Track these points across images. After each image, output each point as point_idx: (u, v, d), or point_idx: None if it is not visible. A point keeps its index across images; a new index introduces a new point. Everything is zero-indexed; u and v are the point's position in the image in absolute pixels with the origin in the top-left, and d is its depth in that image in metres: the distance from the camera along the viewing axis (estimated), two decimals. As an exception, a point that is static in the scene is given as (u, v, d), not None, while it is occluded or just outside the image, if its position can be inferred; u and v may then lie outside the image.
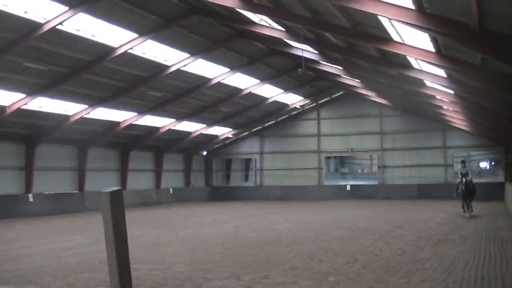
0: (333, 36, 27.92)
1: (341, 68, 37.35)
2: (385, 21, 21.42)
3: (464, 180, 30.45)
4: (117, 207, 3.33)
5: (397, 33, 22.86)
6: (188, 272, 14.44)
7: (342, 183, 57.52)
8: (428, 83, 32.03)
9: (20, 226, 29.84)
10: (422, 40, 22.02)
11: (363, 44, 27.41)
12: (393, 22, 20.85)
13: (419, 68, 28.29)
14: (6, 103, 33.12)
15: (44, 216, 35.61)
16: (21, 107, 33.51)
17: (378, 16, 20.22)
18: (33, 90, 32.75)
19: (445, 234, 22.67)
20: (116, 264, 3.23)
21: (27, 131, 38.17)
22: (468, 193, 30.30)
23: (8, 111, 33.33)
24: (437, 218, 30.84)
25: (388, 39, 23.60)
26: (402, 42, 23.53)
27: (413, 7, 17.64)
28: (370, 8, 18.73)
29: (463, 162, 31.98)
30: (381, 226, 26.42)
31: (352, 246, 19.06)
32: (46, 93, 33.59)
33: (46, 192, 39.94)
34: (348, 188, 55.81)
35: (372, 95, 49.14)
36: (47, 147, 40.15)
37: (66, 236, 23.42)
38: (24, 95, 32.93)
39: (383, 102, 51.74)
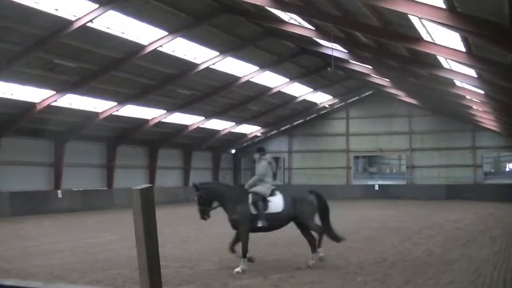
0: (362, 35, 27.80)
1: (370, 67, 37.19)
2: (415, 21, 21.29)
3: None
4: (147, 204, 3.32)
5: (428, 32, 22.70)
6: (216, 270, 14.46)
7: (370, 182, 57.28)
8: (458, 83, 31.78)
9: (49, 222, 30.03)
10: (452, 39, 21.85)
11: (392, 43, 27.24)
12: (424, 21, 20.72)
13: (450, 68, 28.06)
14: (36, 100, 33.40)
15: (72, 213, 35.79)
16: (51, 104, 33.79)
17: (409, 15, 20.09)
18: (63, 87, 33.00)
19: (474, 235, 22.49)
20: (146, 261, 3.22)
21: (57, 128, 38.43)
22: None
23: (38, 107, 33.61)
24: (466, 219, 30.61)
25: (418, 39, 23.44)
26: (432, 41, 23.37)
27: (444, 6, 17.51)
28: (401, 7, 18.63)
29: None
30: (409, 226, 26.26)
31: (380, 247, 18.97)
32: (76, 90, 33.85)
33: (75, 189, 40.20)
34: (376, 187, 55.57)
35: (401, 95, 48.87)
36: (76, 144, 40.38)
37: (95, 232, 23.53)
38: (54, 92, 33.19)
39: (412, 102, 51.42)
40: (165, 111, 42.75)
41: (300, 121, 59.60)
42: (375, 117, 56.37)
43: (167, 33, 30.48)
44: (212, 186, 15.44)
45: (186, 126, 48.03)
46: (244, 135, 58.69)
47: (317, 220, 15.38)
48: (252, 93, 45.36)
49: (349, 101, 57.39)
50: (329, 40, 29.63)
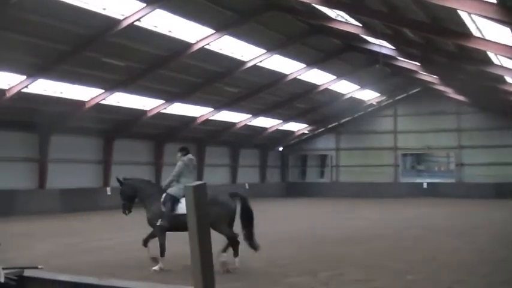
0: (410, 32, 27.57)
1: (418, 64, 36.88)
2: (464, 16, 21.04)
3: None
4: (201, 201, 3.31)
5: (477, 28, 22.42)
6: (264, 267, 14.46)
7: (418, 180, 56.76)
8: (508, 79, 31.33)
9: (98, 218, 30.34)
10: (503, 35, 21.52)
11: (441, 40, 26.97)
12: (473, 16, 20.47)
13: (500, 64, 27.68)
14: (85, 98, 33.80)
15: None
16: (100, 102, 34.18)
17: (458, 11, 19.86)
18: (111, 86, 33.36)
19: (526, 234, 22.19)
20: (199, 258, 3.22)
21: (105, 126, 38.86)
22: None
23: (87, 106, 34.00)
24: (516, 217, 30.20)
25: (467, 34, 23.17)
26: (482, 37, 23.07)
27: (494, 1, 17.26)
28: (450, 3, 18.43)
29: None
30: (458, 225, 25.99)
31: (429, 245, 18.79)
32: (124, 89, 34.17)
33: (123, 186, 40.46)
34: (425, 185, 54.98)
35: (449, 92, 48.31)
36: (124, 141, 40.74)
37: (143, 229, 23.66)
38: (103, 90, 33.57)
39: (461, 99, 50.78)
40: (212, 109, 42.91)
41: (347, 119, 59.32)
42: (423, 115, 55.72)
43: (214, 31, 30.58)
44: (133, 183, 15.29)
45: (233, 124, 48.15)
46: (292, 132, 58.65)
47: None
48: (299, 91, 45.28)
49: (397, 98, 56.86)
50: (376, 37, 29.48)
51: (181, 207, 14.13)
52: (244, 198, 14.51)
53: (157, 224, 14.41)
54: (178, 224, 13.89)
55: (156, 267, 13.95)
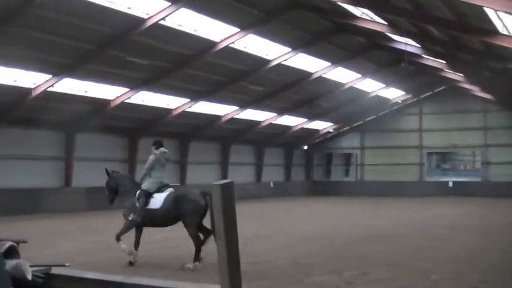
0: (435, 29, 27.44)
1: (444, 62, 36.68)
2: (491, 13, 20.89)
3: None
4: (228, 200, 3.32)
5: (504, 25, 22.28)
6: (288, 266, 14.46)
7: (443, 179, 56.39)
8: (536, 77, 31.10)
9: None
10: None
11: (467, 37, 26.81)
12: (500, 14, 20.33)
13: (527, 62, 27.49)
14: (110, 97, 33.98)
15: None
16: (125, 101, 34.33)
17: (484, 8, 19.73)
18: (136, 84, 33.49)
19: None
20: (226, 256, 3.23)
21: (130, 124, 39.01)
22: None
23: (112, 104, 34.18)
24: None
25: (494, 32, 23.01)
26: (509, 34, 22.91)
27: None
28: (476, 0, 18.31)
29: None
30: (483, 224, 25.84)
31: (455, 244, 18.69)
32: (148, 87, 34.30)
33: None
34: (450, 184, 54.64)
35: (475, 90, 47.96)
36: (149, 140, 40.71)
37: (169, 228, 23.74)
38: (128, 89, 33.71)
39: (487, 97, 50.40)
40: (237, 108, 42.95)
41: (372, 117, 59.12)
42: (449, 113, 55.32)
43: (239, 30, 30.61)
44: (116, 177, 15.59)
45: (258, 123, 48.15)
46: (317, 131, 58.58)
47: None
48: (324, 89, 45.16)
49: (422, 96, 56.57)
50: (401, 35, 29.36)
51: (153, 202, 14.43)
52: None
53: (129, 218, 14.66)
54: (150, 219, 14.37)
55: (131, 259, 14.36)
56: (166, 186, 14.85)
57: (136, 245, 14.56)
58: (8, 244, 4.14)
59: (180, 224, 14.48)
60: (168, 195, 14.40)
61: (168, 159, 15.41)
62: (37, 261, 4.67)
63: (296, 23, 32.07)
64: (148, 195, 14.49)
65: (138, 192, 14.63)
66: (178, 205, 14.23)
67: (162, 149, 15.08)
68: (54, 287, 4.35)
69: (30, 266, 4.15)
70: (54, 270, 4.44)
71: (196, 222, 14.21)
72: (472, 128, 54.59)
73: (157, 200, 14.42)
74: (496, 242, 19.33)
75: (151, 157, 14.90)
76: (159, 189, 14.61)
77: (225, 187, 3.36)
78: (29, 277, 4.05)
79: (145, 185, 14.68)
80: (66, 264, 4.72)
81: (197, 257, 13.76)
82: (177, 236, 20.58)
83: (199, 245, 13.83)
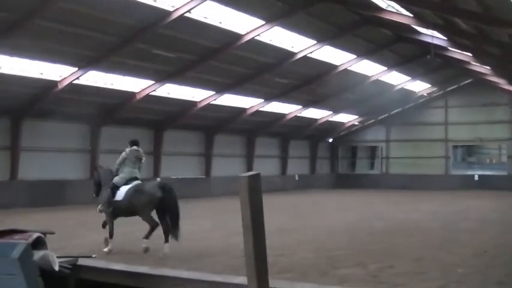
0: (462, 22, 27.23)
1: (470, 55, 36.40)
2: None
3: None
4: (255, 192, 3.30)
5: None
6: (313, 258, 14.44)
7: (469, 173, 56.03)
8: None
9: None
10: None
11: (494, 29, 26.57)
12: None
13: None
14: (136, 89, 34.09)
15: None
16: (150, 94, 34.44)
17: (510, 0, 19.56)
18: (161, 77, 33.57)
19: None
20: (253, 249, 3.21)
21: (156, 117, 39.12)
22: None
23: (138, 97, 34.31)
24: None
25: (521, 25, 22.80)
26: (537, 27, 22.70)
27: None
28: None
29: None
30: (510, 218, 25.64)
31: (481, 238, 18.56)
32: (174, 80, 34.39)
33: (173, 177, 40.56)
34: (476, 178, 54.29)
35: (502, 83, 47.56)
36: (174, 132, 41.00)
37: (190, 220, 23.78)
38: (153, 82, 33.81)
39: (514, 90, 50.04)
40: (262, 100, 42.92)
41: (397, 110, 58.83)
42: (475, 106, 54.86)
43: (264, 22, 30.57)
44: (100, 171, 16.91)
45: (283, 115, 48.11)
46: (342, 124, 58.44)
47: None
48: (350, 82, 44.99)
49: (448, 89, 56.20)
50: (428, 27, 29.17)
51: (119, 194, 15.59)
52: (170, 190, 15.46)
53: (97, 209, 16.07)
54: (117, 209, 15.59)
55: (105, 249, 15.25)
56: (135, 179, 15.92)
57: (111, 234, 15.68)
58: (35, 235, 4.16)
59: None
60: (129, 188, 15.55)
61: (139, 156, 16.38)
62: (64, 253, 4.69)
63: (321, 16, 31.96)
64: (115, 188, 15.66)
65: (110, 186, 15.81)
66: (135, 196, 15.37)
67: (134, 147, 16.37)
68: (80, 278, 4.37)
69: (57, 257, 4.17)
70: (81, 262, 4.46)
71: (148, 212, 15.34)
72: (498, 121, 54.17)
73: (121, 192, 15.59)
74: (522, 236, 19.20)
75: (123, 154, 16.18)
76: (126, 183, 15.76)
77: (252, 179, 3.33)
78: (56, 268, 4.07)
79: (115, 179, 15.86)
80: (93, 256, 4.75)
81: (148, 236, 15.07)
82: (205, 228, 20.67)
83: (154, 226, 15.06)
